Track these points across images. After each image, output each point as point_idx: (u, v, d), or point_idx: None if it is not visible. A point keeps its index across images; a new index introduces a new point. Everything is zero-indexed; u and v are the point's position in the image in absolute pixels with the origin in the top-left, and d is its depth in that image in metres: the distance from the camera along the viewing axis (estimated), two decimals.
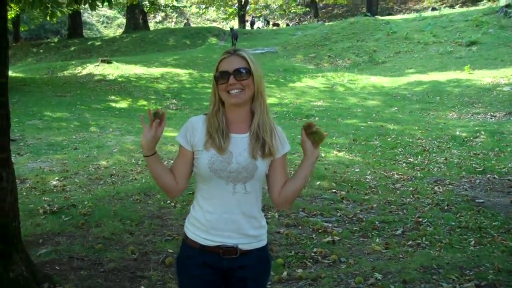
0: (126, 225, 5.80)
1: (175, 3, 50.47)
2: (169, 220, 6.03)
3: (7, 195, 3.65)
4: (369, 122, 13.13)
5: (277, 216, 6.20)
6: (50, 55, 35.32)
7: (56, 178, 8.03)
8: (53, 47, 37.70)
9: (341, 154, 9.76)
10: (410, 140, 10.74)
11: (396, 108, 15.27)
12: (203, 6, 55.97)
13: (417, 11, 42.37)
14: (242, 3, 48.48)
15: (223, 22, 56.09)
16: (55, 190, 7.37)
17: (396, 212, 6.43)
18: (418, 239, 5.48)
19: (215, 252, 2.35)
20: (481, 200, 6.81)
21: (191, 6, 59.17)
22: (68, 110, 15.76)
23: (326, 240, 5.44)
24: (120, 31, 49.44)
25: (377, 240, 5.52)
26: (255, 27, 51.62)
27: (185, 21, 55.42)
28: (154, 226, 5.82)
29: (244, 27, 47.53)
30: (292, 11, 58.26)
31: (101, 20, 61.95)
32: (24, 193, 7.18)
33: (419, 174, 8.28)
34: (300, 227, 5.89)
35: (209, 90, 2.54)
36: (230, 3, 53.73)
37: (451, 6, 41.10)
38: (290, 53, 28.19)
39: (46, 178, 8.02)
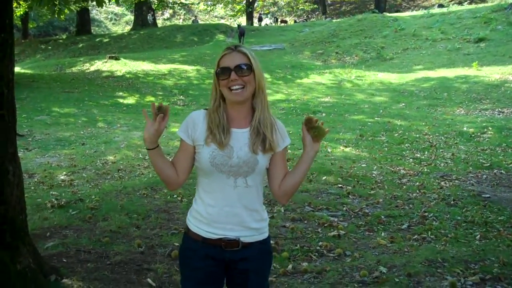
0: (133, 219, 5.84)
1: (183, 0, 50.51)
2: (176, 214, 6.07)
3: (14, 188, 3.69)
4: (376, 118, 13.11)
5: (283, 211, 6.22)
6: (59, 51, 35.48)
7: (64, 173, 8.08)
8: (61, 44, 37.87)
9: (347, 149, 9.76)
10: (417, 135, 10.72)
11: (403, 104, 15.23)
12: (210, 2, 55.89)
13: (425, 8, 42.25)
14: (250, 0, 48.46)
15: (231, 19, 56.10)
16: (62, 185, 7.42)
17: (402, 207, 6.43)
18: (424, 233, 5.49)
19: (217, 245, 2.37)
20: (488, 195, 6.79)
21: (199, 3, 59.20)
22: (76, 106, 15.85)
23: (331, 234, 5.45)
24: (128, 28, 49.57)
25: (383, 234, 5.52)
26: (263, 23, 51.64)
27: (193, 18, 55.52)
28: (161, 220, 5.85)
29: (252, 24, 47.56)
30: (300, 7, 58.20)
31: (109, 17, 62.15)
32: (32, 188, 7.24)
33: (425, 169, 8.27)
34: (305, 221, 5.90)
35: None
36: (238, 0, 53.75)
37: (460, 3, 40.91)
38: (297, 49, 28.20)
39: (54, 173, 8.07)
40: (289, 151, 8.78)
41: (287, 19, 55.33)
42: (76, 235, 5.31)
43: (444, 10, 32.15)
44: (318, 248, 5.09)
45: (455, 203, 6.53)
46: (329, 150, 9.61)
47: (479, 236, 5.34)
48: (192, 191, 6.55)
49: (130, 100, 17.49)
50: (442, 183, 7.50)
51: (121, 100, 17.43)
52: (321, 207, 6.39)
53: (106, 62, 23.25)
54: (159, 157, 2.38)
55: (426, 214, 6.11)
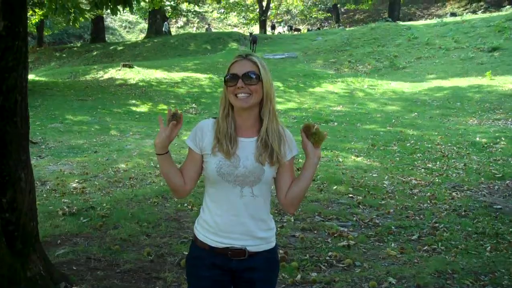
0: (143, 227, 5.87)
1: (196, 9, 50.76)
2: (186, 222, 6.09)
3: (25, 196, 3.72)
4: (388, 128, 13.08)
5: (292, 220, 6.22)
6: (73, 59, 35.77)
7: (76, 180, 8.14)
8: (76, 52, 38.18)
9: (359, 159, 9.74)
10: (429, 145, 10.67)
11: (416, 113, 15.18)
12: (223, 10, 56.10)
13: (439, 16, 42.12)
14: (264, 8, 48.62)
15: (244, 27, 56.30)
16: (74, 192, 7.47)
17: (412, 218, 6.39)
18: (434, 244, 5.46)
19: (223, 254, 2.38)
20: (499, 206, 6.74)
21: (212, 11, 59.51)
22: (89, 114, 15.96)
23: (341, 244, 5.44)
24: (142, 36, 49.88)
25: (393, 245, 5.50)
26: (276, 31, 51.78)
27: (207, 26, 55.78)
28: (171, 228, 5.88)
29: (265, 32, 47.67)
30: (313, 16, 58.27)
31: (123, 25, 62.61)
32: (44, 195, 7.30)
33: (437, 180, 8.23)
34: (315, 231, 5.90)
35: None
36: (251, 8, 53.94)
37: (474, 12, 40.77)
38: (310, 58, 28.22)
39: (66, 180, 8.13)
40: (300, 160, 8.79)
41: (301, 27, 55.41)
42: (86, 242, 5.35)
43: (458, 19, 32.06)
44: (327, 258, 5.08)
45: (466, 214, 6.49)
46: (340, 159, 9.60)
47: (489, 247, 5.30)
48: (203, 200, 6.59)
49: (143, 108, 17.59)
50: (454, 193, 7.45)
51: (134, 108, 17.53)
52: (331, 217, 6.39)
53: (119, 70, 23.40)
54: (168, 163, 2.40)
55: (437, 225, 6.07)
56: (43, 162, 9.55)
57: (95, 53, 36.36)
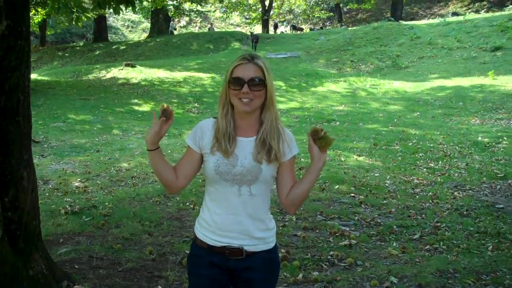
0: (145, 226, 5.88)
1: (199, 8, 50.76)
2: (187, 221, 6.10)
3: (28, 194, 3.74)
4: (390, 127, 13.07)
5: (294, 219, 6.23)
6: (76, 58, 35.80)
7: (78, 179, 8.16)
8: (78, 51, 38.21)
9: (361, 158, 9.74)
10: (432, 145, 10.66)
11: (418, 113, 15.16)
12: (224, 9, 56.06)
13: (441, 16, 42.07)
14: (266, 7, 48.61)
15: (246, 26, 56.30)
16: (77, 191, 7.49)
17: (414, 217, 6.40)
18: (436, 243, 5.46)
19: (221, 253, 2.39)
20: (501, 206, 6.74)
21: (215, 11, 59.53)
22: (92, 113, 15.99)
23: (343, 244, 5.45)
24: (144, 35, 49.89)
25: (394, 244, 5.50)
26: (278, 31, 51.78)
27: (209, 25, 55.79)
28: (173, 227, 5.89)
29: (267, 31, 47.65)
30: (315, 15, 58.23)
31: (126, 24, 62.63)
32: (47, 194, 7.32)
33: (439, 179, 8.23)
34: (317, 231, 5.90)
35: None
36: (254, 7, 53.94)
37: (477, 11, 40.71)
38: (312, 57, 28.21)
39: (68, 179, 8.15)
40: (302, 159, 8.79)
41: (303, 26, 55.38)
42: (88, 241, 5.37)
43: (461, 18, 31.97)
44: (329, 257, 5.09)
45: (468, 214, 6.49)
46: (343, 159, 9.61)
47: (491, 247, 5.30)
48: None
49: (145, 108, 17.60)
50: (456, 193, 7.45)
51: (136, 108, 17.55)
52: (333, 216, 6.39)
53: (122, 69, 23.42)
54: (158, 159, 2.41)
55: (439, 224, 6.08)
56: (46, 161, 9.58)
57: (97, 52, 36.39)
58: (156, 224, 5.97)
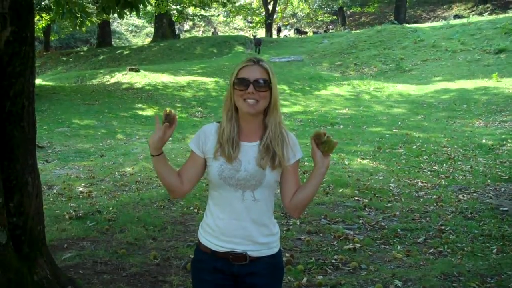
0: (149, 231, 5.88)
1: (202, 12, 50.83)
2: (192, 226, 6.10)
3: (32, 200, 3.75)
4: (394, 130, 13.07)
5: (298, 223, 6.22)
6: (80, 63, 35.90)
7: (83, 184, 8.18)
8: (82, 56, 38.32)
9: (365, 161, 9.74)
10: (436, 148, 10.65)
11: (422, 116, 15.15)
12: (226, 13, 56.08)
13: (445, 18, 42.03)
14: (269, 11, 48.66)
15: (250, 30, 56.35)
16: (81, 196, 7.51)
17: (418, 220, 6.39)
18: (440, 246, 5.45)
19: (225, 258, 2.38)
20: (506, 208, 6.72)
21: (218, 15, 59.61)
22: (96, 118, 16.04)
23: (347, 247, 5.44)
24: (148, 40, 50.00)
25: (399, 247, 5.50)
26: (282, 34, 51.83)
27: (213, 30, 55.87)
28: (177, 232, 5.90)
29: (271, 35, 47.69)
30: (319, 19, 58.27)
31: (130, 29, 62.76)
32: (51, 199, 7.34)
33: (443, 182, 8.21)
34: (321, 234, 5.90)
35: None
36: (257, 11, 53.99)
37: (480, 14, 40.66)
38: (316, 61, 28.21)
39: (72, 184, 8.17)
40: (306, 163, 8.79)
41: (307, 30, 55.41)
42: (93, 246, 5.37)
43: (464, 21, 31.95)
44: (333, 261, 5.08)
45: (472, 216, 6.48)
46: (346, 162, 9.60)
47: (496, 250, 5.29)
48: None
49: (149, 112, 17.64)
50: (460, 196, 7.44)
51: (140, 112, 17.60)
52: (337, 220, 6.39)
53: (126, 74, 23.48)
54: (162, 164, 2.40)
55: (443, 227, 6.06)
56: (50, 166, 9.61)
57: (101, 57, 36.49)
58: (160, 229, 5.98)
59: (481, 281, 4.46)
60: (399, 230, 6.01)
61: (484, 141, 10.91)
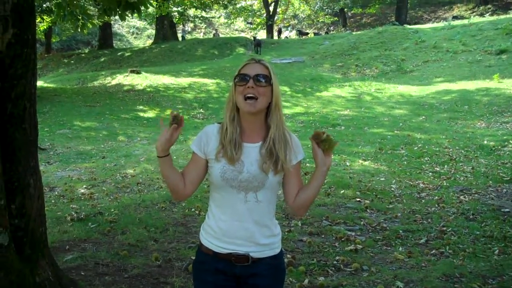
0: (151, 232, 5.89)
1: (203, 14, 50.88)
2: (193, 227, 6.10)
3: (34, 201, 3.75)
4: (395, 131, 13.06)
5: (300, 225, 6.22)
6: (81, 65, 35.94)
7: (84, 186, 8.18)
8: (84, 58, 38.36)
9: (366, 163, 9.74)
10: (437, 149, 10.65)
11: (423, 117, 15.13)
12: (224, 14, 56.08)
13: (446, 19, 42.03)
14: (271, 13, 48.68)
15: (251, 32, 56.40)
16: (82, 198, 7.51)
17: (420, 221, 6.38)
18: (442, 248, 5.45)
19: (227, 259, 2.39)
20: (507, 209, 6.71)
21: (219, 16, 59.65)
22: (97, 120, 16.05)
23: (348, 249, 5.44)
24: (149, 41, 50.04)
25: (400, 249, 5.49)
26: (282, 36, 51.87)
27: (214, 31, 55.92)
28: (178, 233, 5.90)
29: (272, 37, 47.70)
30: (320, 20, 58.28)
31: (131, 31, 62.78)
32: (53, 201, 7.35)
33: (445, 183, 8.21)
34: (323, 236, 5.90)
35: None
36: (258, 13, 54.03)
37: (481, 15, 40.65)
38: (317, 62, 28.21)
39: (74, 186, 8.18)
40: (307, 164, 8.79)
41: (308, 31, 55.42)
42: (94, 248, 5.37)
43: (465, 21, 31.94)
44: (335, 262, 5.08)
45: (474, 218, 6.48)
46: (348, 163, 9.60)
47: (497, 251, 5.28)
48: None
49: (150, 114, 17.66)
50: (462, 197, 7.43)
51: (141, 114, 17.61)
52: (338, 221, 6.39)
53: (127, 76, 23.48)
54: (168, 166, 2.41)
55: (445, 228, 6.06)
56: (52, 168, 9.62)
57: (103, 59, 36.52)
58: (161, 230, 5.98)
59: (482, 282, 4.46)
60: (400, 231, 6.01)
61: (485, 142, 10.90)
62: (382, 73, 24.18)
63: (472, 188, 7.87)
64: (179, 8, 39.69)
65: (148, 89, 21.31)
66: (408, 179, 8.49)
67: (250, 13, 54.98)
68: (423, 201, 7.32)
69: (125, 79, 23.11)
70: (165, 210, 6.78)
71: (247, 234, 2.37)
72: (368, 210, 6.88)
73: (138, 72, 23.83)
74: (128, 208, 6.85)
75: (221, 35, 52.04)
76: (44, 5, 19.87)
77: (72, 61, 37.80)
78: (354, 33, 39.35)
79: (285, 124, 2.45)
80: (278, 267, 2.49)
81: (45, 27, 28.22)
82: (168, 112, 17.71)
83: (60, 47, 49.10)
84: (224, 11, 52.34)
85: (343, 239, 5.72)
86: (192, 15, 48.62)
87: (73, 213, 6.49)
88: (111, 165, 9.67)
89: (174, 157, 9.71)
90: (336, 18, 56.80)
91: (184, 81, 22.76)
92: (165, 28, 42.25)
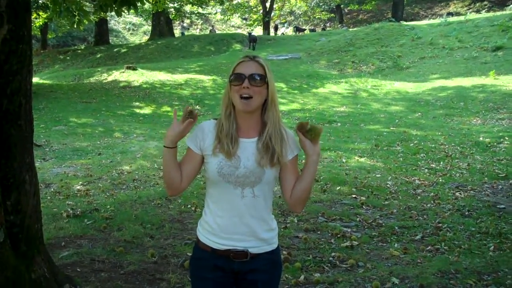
0: (147, 229, 5.89)
1: (200, 10, 50.76)
2: (189, 224, 6.11)
3: (30, 198, 3.74)
4: (391, 128, 13.07)
5: (296, 221, 6.24)
6: (77, 62, 35.85)
7: (80, 182, 8.17)
8: (80, 54, 38.27)
9: (362, 159, 9.75)
10: (433, 145, 10.66)
11: (419, 113, 15.15)
12: (219, 10, 56.01)
13: (442, 16, 42.06)
14: (267, 9, 48.61)
15: (247, 28, 56.30)
16: (78, 195, 7.50)
17: (416, 218, 6.40)
18: (437, 244, 5.47)
19: (225, 256, 2.39)
20: (503, 206, 6.74)
21: (216, 13, 59.55)
22: (93, 116, 16.03)
23: (344, 245, 5.45)
24: (146, 38, 49.94)
25: (396, 245, 5.51)
26: (279, 32, 51.82)
27: (210, 28, 55.83)
28: (174, 230, 5.90)
29: (268, 33, 47.64)
30: (316, 17, 58.24)
31: (127, 27, 62.69)
32: (49, 197, 7.34)
33: (440, 180, 8.22)
34: (319, 232, 5.91)
35: None
36: (254, 9, 53.94)
37: (478, 11, 40.69)
38: (313, 59, 28.19)
39: (70, 182, 8.17)
40: (303, 161, 8.79)
41: (304, 28, 55.36)
42: (90, 244, 5.37)
43: (461, 18, 31.93)
44: (330, 258, 5.09)
45: (469, 214, 6.49)
46: (344, 160, 9.61)
47: (493, 247, 5.30)
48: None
49: (147, 110, 17.64)
50: (457, 193, 7.45)
51: (137, 110, 17.59)
52: (334, 217, 6.40)
53: (123, 72, 23.43)
54: (173, 158, 2.42)
55: (440, 225, 6.08)
56: (47, 164, 9.60)
57: (99, 55, 36.44)
58: (158, 227, 5.98)
59: (478, 278, 4.48)
60: (396, 227, 6.02)
61: (481, 138, 10.93)
62: (378, 69, 24.18)
63: (467, 185, 7.89)
64: (176, 4, 39.62)
65: (144, 86, 21.27)
66: (404, 176, 8.51)
67: (247, 10, 54.85)
68: (418, 197, 7.34)
69: (121, 75, 23.07)
70: (161, 207, 6.79)
71: (245, 229, 2.37)
72: (364, 207, 6.89)
73: (134, 69, 23.78)
74: (124, 204, 6.85)
75: (217, 32, 51.95)
76: (40, 1, 19.84)
77: (68, 58, 37.69)
78: (350, 29, 39.30)
79: (282, 121, 2.46)
80: (275, 262, 2.49)
81: (41, 23, 28.11)
82: (165, 108, 17.74)
83: (56, 43, 49.00)
84: (220, 7, 52.25)
85: (339, 236, 5.73)
86: (188, 11, 48.50)
87: (69, 209, 6.49)
88: (107, 162, 9.66)
89: None
90: (332, 15, 56.75)
91: (180, 77, 22.72)
92: (161, 24, 42.14)
